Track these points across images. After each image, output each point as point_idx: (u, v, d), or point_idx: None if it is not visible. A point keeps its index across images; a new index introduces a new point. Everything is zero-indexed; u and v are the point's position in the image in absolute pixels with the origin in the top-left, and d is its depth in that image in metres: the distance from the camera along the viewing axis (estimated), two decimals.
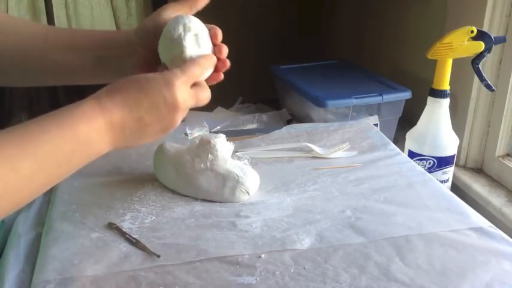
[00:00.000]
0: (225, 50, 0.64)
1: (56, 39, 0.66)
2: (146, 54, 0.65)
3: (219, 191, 0.76)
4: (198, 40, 0.62)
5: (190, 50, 0.61)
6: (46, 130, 0.49)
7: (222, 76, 0.65)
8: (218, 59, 0.63)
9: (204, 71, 0.61)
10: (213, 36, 0.65)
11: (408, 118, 1.11)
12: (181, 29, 0.62)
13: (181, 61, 0.61)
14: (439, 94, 0.92)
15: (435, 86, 0.93)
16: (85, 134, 0.51)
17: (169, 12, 0.64)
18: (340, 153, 0.91)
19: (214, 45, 0.64)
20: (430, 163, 0.94)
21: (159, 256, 0.63)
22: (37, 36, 0.66)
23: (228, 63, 0.64)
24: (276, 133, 1.01)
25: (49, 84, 0.73)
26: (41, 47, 0.65)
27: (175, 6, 0.65)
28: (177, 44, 0.62)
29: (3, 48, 0.65)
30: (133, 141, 0.56)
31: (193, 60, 0.60)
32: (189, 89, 0.58)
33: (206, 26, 0.65)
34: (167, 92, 0.55)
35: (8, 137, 0.47)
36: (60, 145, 0.49)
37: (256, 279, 0.59)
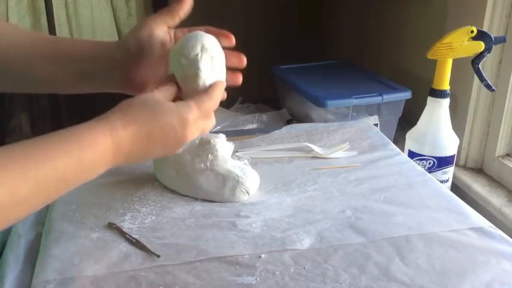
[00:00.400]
0: (240, 77, 0.67)
1: (41, 50, 0.64)
2: (131, 70, 0.64)
3: (219, 191, 0.76)
4: (213, 63, 0.62)
5: (205, 73, 0.61)
6: (50, 153, 0.48)
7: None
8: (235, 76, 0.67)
9: (217, 104, 0.61)
10: (234, 60, 0.66)
11: (408, 118, 1.11)
12: (198, 49, 0.61)
13: (194, 82, 0.61)
14: (439, 94, 0.92)
15: (435, 86, 0.93)
16: (91, 161, 0.50)
17: (151, 28, 0.63)
18: (340, 153, 0.91)
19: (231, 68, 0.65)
20: (430, 163, 0.94)
21: (159, 256, 0.63)
22: (23, 45, 0.64)
23: (239, 79, 0.67)
24: (276, 133, 1.01)
25: (39, 92, 0.73)
26: (27, 56, 0.64)
27: (156, 20, 0.64)
28: (193, 64, 0.61)
29: None
30: (134, 161, 0.57)
31: (209, 94, 0.60)
32: (199, 123, 0.59)
33: (220, 33, 0.65)
34: (180, 128, 0.56)
35: (9, 157, 0.45)
36: (63, 171, 0.48)
37: (256, 279, 0.59)
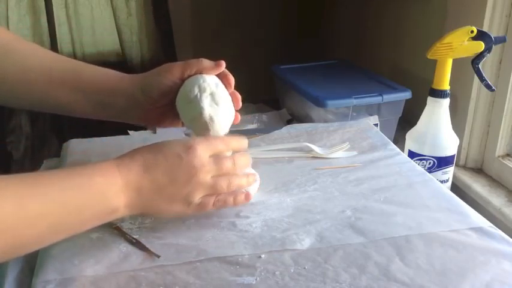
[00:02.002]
0: (239, 102, 0.70)
1: (61, 76, 0.65)
2: (150, 110, 0.66)
3: None
4: (215, 98, 0.65)
5: (208, 110, 0.64)
6: (60, 177, 0.49)
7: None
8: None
9: (229, 149, 0.62)
10: (227, 86, 0.68)
11: (408, 118, 1.11)
12: (196, 91, 0.64)
13: (200, 121, 0.64)
14: (439, 94, 0.92)
15: (435, 86, 0.93)
16: (99, 187, 0.50)
17: (176, 77, 0.65)
18: (340, 153, 0.91)
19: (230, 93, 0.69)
20: (430, 163, 0.94)
21: (159, 256, 0.63)
22: (42, 71, 0.65)
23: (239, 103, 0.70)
24: (276, 133, 1.01)
25: (55, 112, 0.73)
26: (47, 81, 0.65)
27: (182, 67, 0.66)
28: (195, 105, 0.64)
29: (8, 75, 0.64)
30: (149, 205, 0.56)
31: (220, 137, 0.62)
32: (209, 157, 0.58)
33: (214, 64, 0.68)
34: (185, 154, 0.56)
35: (20, 178, 0.46)
36: (71, 193, 0.48)
37: (256, 279, 0.59)
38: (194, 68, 0.66)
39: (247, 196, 0.65)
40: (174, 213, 0.61)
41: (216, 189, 0.60)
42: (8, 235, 0.44)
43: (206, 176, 0.58)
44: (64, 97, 0.65)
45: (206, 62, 0.66)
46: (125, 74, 0.67)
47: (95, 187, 0.50)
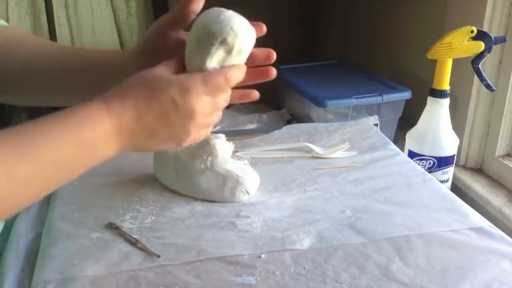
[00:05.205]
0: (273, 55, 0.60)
1: (60, 61, 0.64)
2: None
3: (219, 191, 0.76)
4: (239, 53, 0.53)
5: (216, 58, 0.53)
6: (47, 132, 0.46)
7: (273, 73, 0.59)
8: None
9: (230, 83, 0.54)
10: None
11: (408, 118, 1.11)
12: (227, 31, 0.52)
13: (202, 63, 0.53)
14: (439, 94, 0.92)
15: (435, 86, 0.93)
16: (90, 139, 0.48)
17: (163, 28, 0.59)
18: (340, 153, 0.91)
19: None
20: (430, 163, 0.94)
21: (159, 256, 0.63)
22: (43, 57, 0.65)
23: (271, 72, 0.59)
24: (276, 133, 1.01)
25: (45, 104, 0.71)
26: (47, 67, 0.64)
27: (167, 19, 0.60)
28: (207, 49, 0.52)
29: (8, 61, 0.64)
30: (141, 146, 0.53)
31: (219, 70, 0.53)
32: (205, 99, 0.52)
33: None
34: (180, 98, 0.51)
35: (4, 138, 0.44)
36: (61, 149, 0.46)
37: (256, 279, 0.59)
38: (188, 16, 0.58)
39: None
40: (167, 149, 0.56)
41: (210, 123, 0.56)
42: (1, 205, 0.43)
43: (203, 118, 0.53)
44: (63, 81, 0.63)
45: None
46: (122, 50, 0.66)
47: (85, 140, 0.48)
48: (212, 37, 0.52)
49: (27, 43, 0.66)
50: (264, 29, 0.60)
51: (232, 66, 0.54)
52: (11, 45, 0.65)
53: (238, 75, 0.55)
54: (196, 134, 0.55)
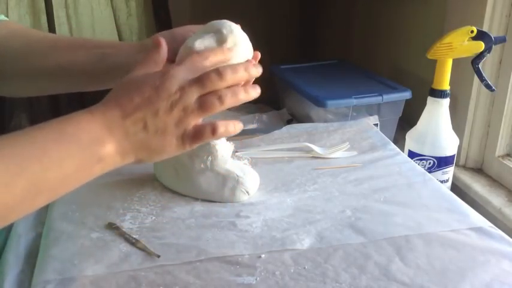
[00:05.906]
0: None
1: (67, 41, 0.67)
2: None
3: (219, 191, 0.76)
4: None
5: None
6: (30, 136, 0.46)
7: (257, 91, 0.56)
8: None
9: (208, 63, 0.53)
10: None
11: (408, 118, 1.11)
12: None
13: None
14: (439, 94, 0.92)
15: (435, 86, 0.93)
16: (75, 138, 0.47)
17: (173, 30, 0.62)
18: (340, 153, 0.91)
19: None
20: (430, 163, 0.94)
21: (159, 256, 0.63)
22: (45, 40, 0.66)
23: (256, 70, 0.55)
24: (276, 133, 1.01)
25: (46, 92, 0.71)
26: (47, 50, 0.65)
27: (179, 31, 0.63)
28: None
29: (9, 49, 0.65)
30: (142, 145, 0.51)
31: (202, 54, 0.53)
32: (187, 79, 0.51)
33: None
34: (160, 81, 0.50)
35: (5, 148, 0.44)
36: (48, 146, 0.46)
37: (256, 279, 0.59)
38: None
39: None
40: (172, 152, 0.52)
41: (207, 107, 0.52)
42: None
43: (189, 97, 0.50)
44: (64, 57, 0.64)
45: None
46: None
47: (71, 138, 0.46)
48: (209, 27, 0.57)
49: (31, 31, 0.69)
50: (258, 56, 0.63)
51: (217, 50, 0.55)
52: (13, 32, 0.67)
53: (216, 57, 0.54)
54: (186, 113, 0.51)
